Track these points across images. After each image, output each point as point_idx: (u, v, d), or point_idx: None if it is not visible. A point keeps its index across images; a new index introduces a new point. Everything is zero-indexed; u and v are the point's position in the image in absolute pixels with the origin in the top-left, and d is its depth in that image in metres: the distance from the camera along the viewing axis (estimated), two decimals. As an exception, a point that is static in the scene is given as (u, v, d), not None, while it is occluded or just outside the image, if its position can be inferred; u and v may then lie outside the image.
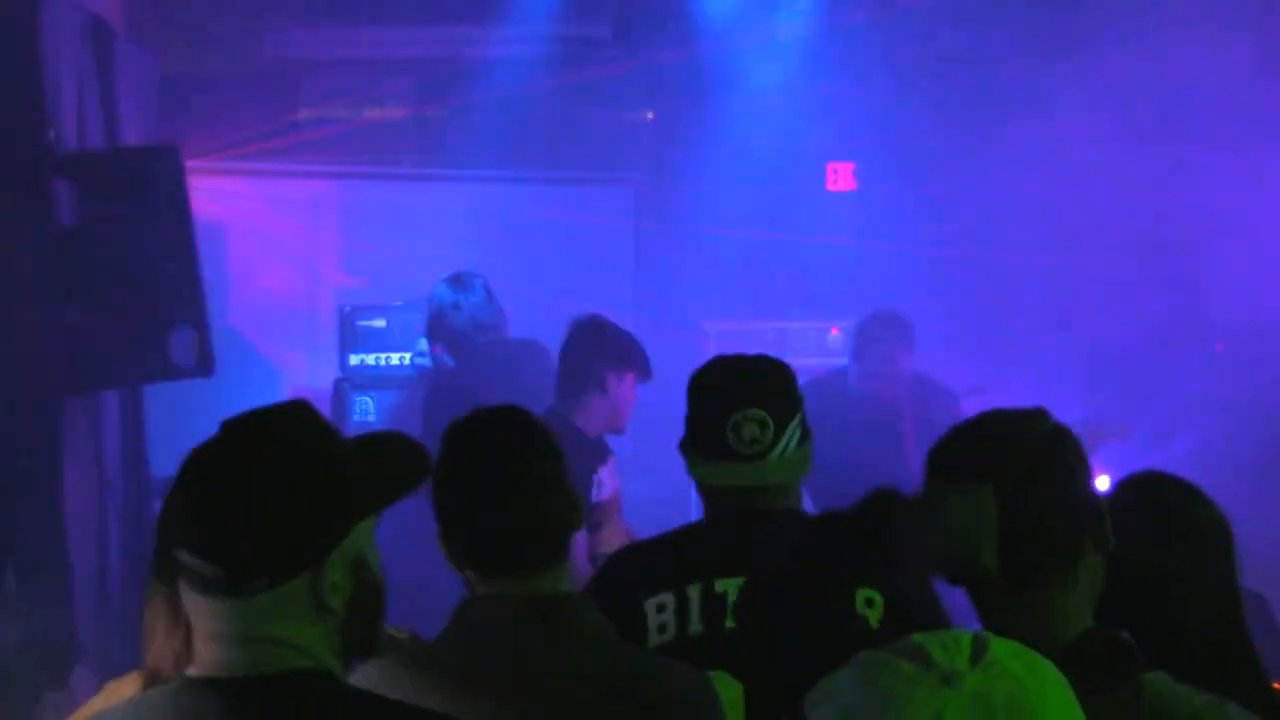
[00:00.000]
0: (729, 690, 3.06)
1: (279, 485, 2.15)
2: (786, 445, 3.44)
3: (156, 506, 6.82)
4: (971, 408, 7.34)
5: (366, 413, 7.86)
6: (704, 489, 3.56)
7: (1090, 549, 2.49)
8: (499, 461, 2.84)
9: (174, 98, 8.47)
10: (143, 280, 6.54)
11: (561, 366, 5.83)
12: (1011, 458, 2.46)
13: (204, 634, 2.18)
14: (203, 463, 2.20)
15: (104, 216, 6.51)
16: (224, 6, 8.25)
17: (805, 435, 3.52)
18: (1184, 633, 2.76)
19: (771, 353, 3.82)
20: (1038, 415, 2.58)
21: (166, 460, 7.85)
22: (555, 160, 9.16)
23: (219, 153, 8.25)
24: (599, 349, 5.76)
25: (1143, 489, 3.03)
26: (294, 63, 8.91)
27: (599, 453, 5.69)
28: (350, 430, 7.77)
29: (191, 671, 2.20)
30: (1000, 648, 1.76)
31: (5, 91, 5.94)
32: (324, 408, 7.90)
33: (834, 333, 8.24)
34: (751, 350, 3.66)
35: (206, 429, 6.66)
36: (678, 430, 3.57)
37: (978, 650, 1.74)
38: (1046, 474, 2.48)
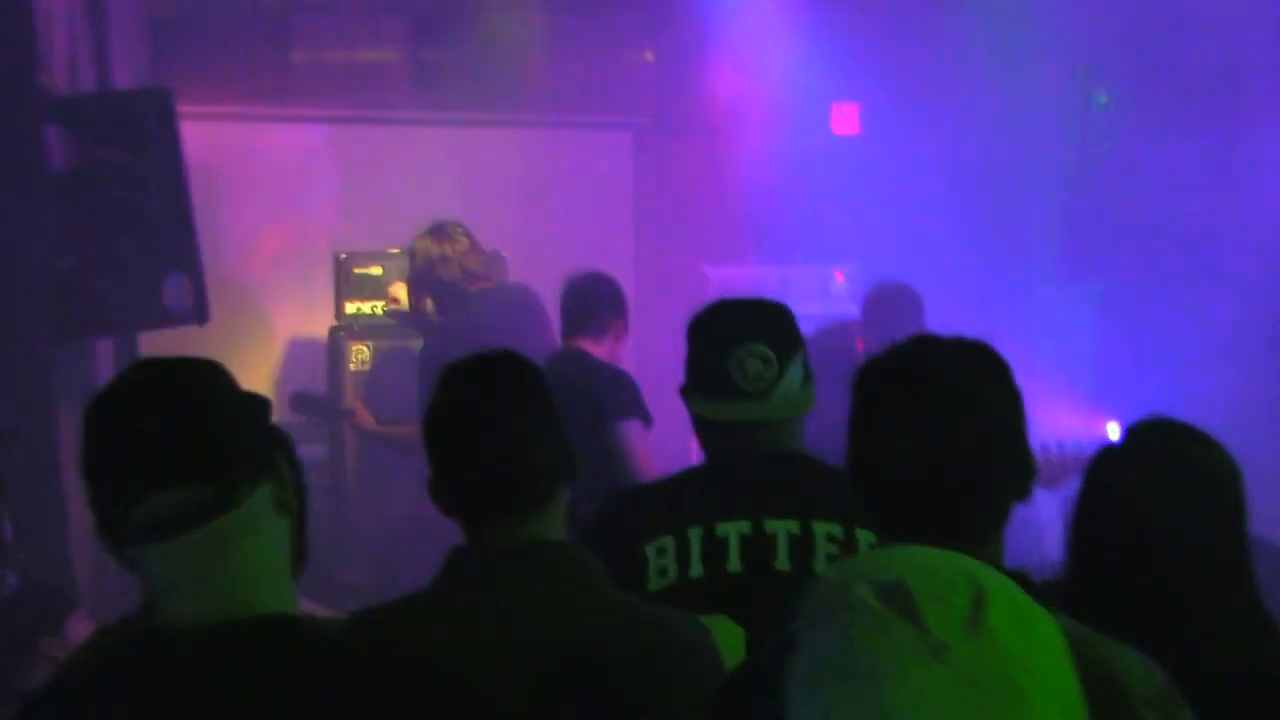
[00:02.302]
0: (730, 635, 3.09)
1: (229, 399, 2.26)
2: (790, 382, 3.49)
3: None
4: None
5: (363, 362, 7.88)
6: (705, 428, 3.59)
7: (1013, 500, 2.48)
8: (488, 407, 2.87)
9: (165, 40, 8.57)
10: (136, 226, 6.61)
11: (575, 311, 6.06)
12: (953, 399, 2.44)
13: (167, 585, 2.22)
14: (140, 403, 2.24)
15: (96, 161, 6.59)
16: None
17: (808, 375, 3.57)
18: (1184, 591, 2.81)
19: (774, 297, 3.91)
20: (981, 352, 2.55)
21: None
22: (553, 103, 9.19)
23: (211, 97, 8.26)
24: (613, 299, 6.12)
25: (1147, 435, 3.06)
26: (287, 4, 8.96)
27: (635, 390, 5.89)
28: (346, 380, 7.90)
29: (156, 621, 2.22)
30: (998, 609, 1.67)
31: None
32: (320, 356, 8.06)
33: (838, 277, 8.35)
34: (755, 295, 3.74)
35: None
36: (678, 375, 3.64)
37: (975, 610, 1.65)
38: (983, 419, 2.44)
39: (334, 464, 7.98)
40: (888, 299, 6.79)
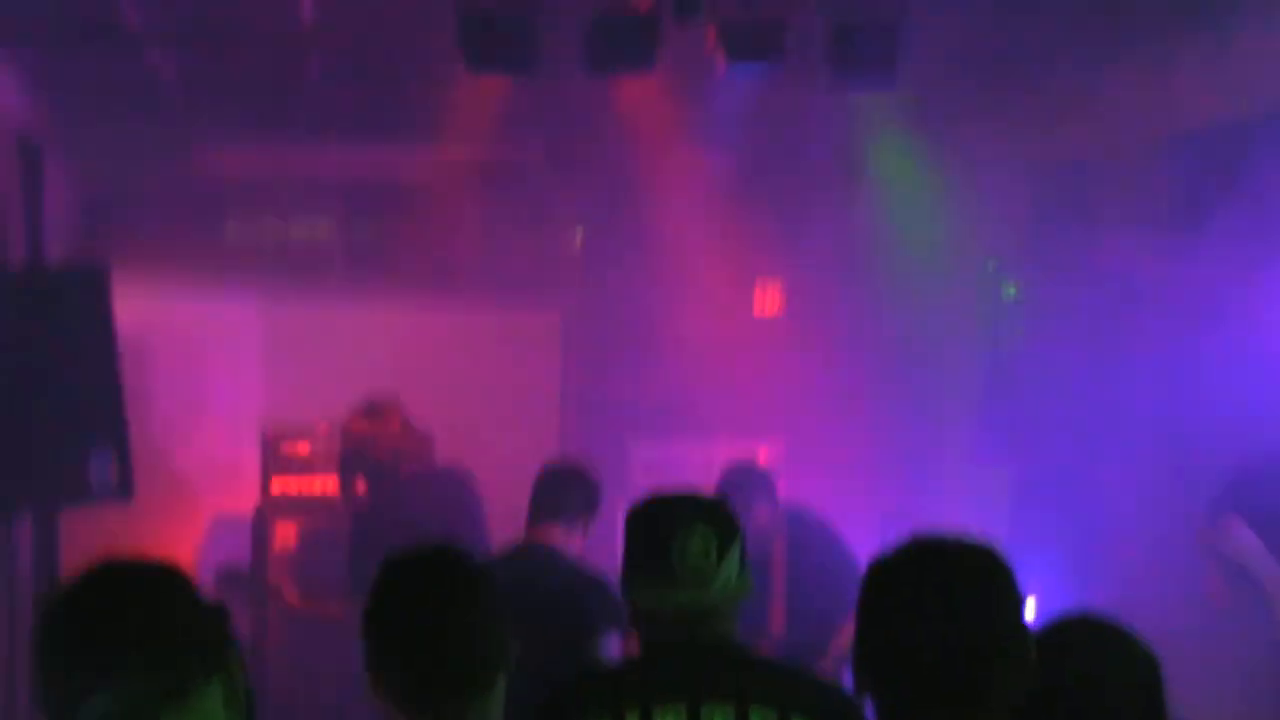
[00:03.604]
0: None
1: (184, 601, 2.38)
2: (729, 569, 3.51)
3: None
4: (891, 532, 7.52)
5: (288, 541, 7.87)
6: (644, 616, 3.57)
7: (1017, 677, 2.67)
8: (430, 599, 2.93)
9: (100, 213, 8.59)
10: (63, 401, 6.63)
11: (550, 499, 5.80)
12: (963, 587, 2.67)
13: None
14: (96, 603, 2.33)
15: (24, 336, 6.56)
16: (151, 123, 8.27)
17: (744, 563, 3.58)
18: None
19: (699, 476, 3.92)
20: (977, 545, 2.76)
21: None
22: (484, 283, 9.26)
23: (142, 269, 8.14)
24: (591, 493, 5.86)
25: (1072, 632, 3.09)
26: (220, 181, 8.99)
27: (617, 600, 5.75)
28: (271, 558, 7.88)
29: None
30: None
31: None
32: (245, 533, 8.04)
33: (760, 454, 8.37)
34: (681, 472, 3.76)
35: (128, 543, 6.71)
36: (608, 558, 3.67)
37: None
38: (988, 600, 2.68)
39: (255, 646, 7.91)
40: (735, 478, 6.81)
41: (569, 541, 5.74)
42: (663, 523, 3.53)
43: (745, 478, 6.83)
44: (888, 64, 6.91)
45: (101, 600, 2.32)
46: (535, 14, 6.71)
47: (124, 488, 6.88)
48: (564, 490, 5.81)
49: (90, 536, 7.56)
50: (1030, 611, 7.98)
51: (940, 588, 2.67)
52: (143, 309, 7.86)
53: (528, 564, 5.61)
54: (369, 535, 6.60)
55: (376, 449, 6.87)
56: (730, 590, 3.53)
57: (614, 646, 5.49)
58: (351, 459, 6.98)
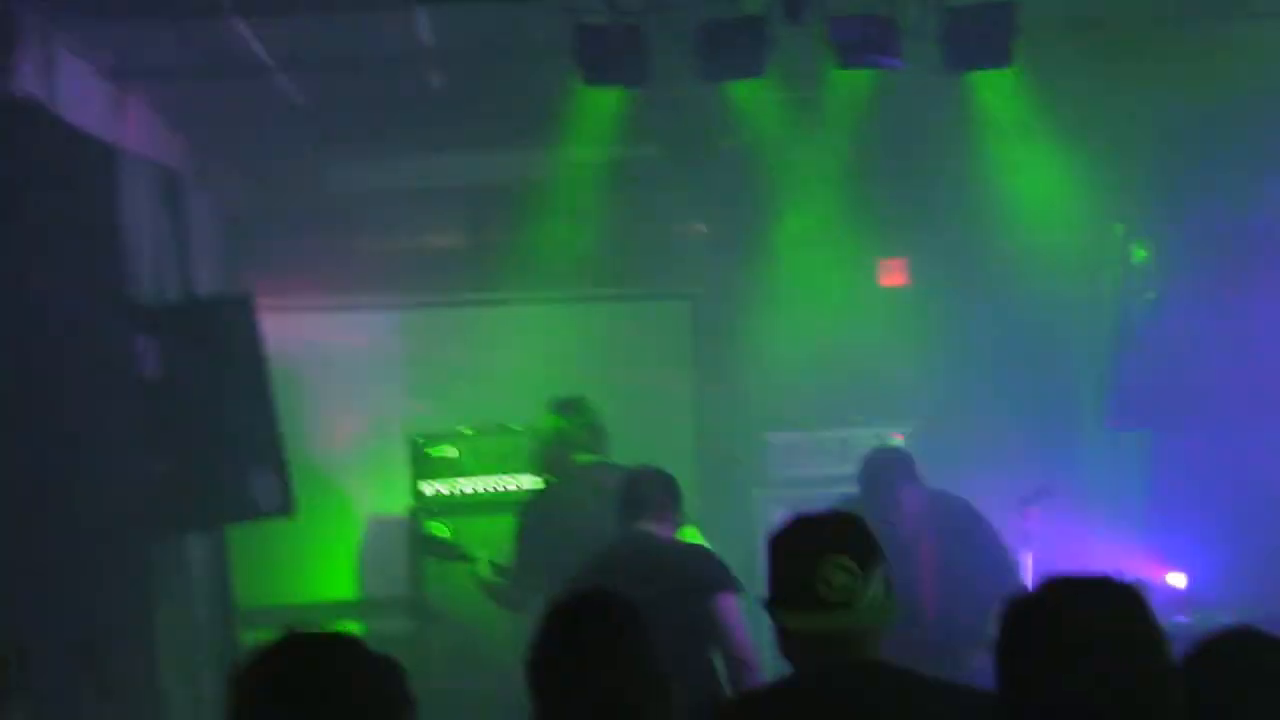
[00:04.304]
0: None
1: (363, 673, 2.59)
2: (874, 591, 3.53)
3: (242, 636, 7.15)
4: (1035, 513, 7.60)
5: (444, 535, 8.03)
6: (790, 639, 3.59)
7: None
8: (589, 654, 3.08)
9: (241, 236, 8.84)
10: (224, 427, 6.98)
11: (637, 497, 6.26)
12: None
13: None
14: (283, 679, 2.55)
15: (184, 367, 6.88)
16: (283, 147, 8.52)
17: (889, 585, 3.59)
18: None
19: (836, 460, 3.97)
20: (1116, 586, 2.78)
21: (250, 590, 8.19)
22: (611, 277, 9.41)
23: (285, 289, 8.52)
24: (670, 487, 6.30)
25: (1232, 652, 3.12)
26: (351, 197, 9.20)
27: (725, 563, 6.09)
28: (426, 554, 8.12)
29: None
30: None
31: (90, 252, 6.27)
32: (400, 534, 8.25)
33: (898, 439, 8.36)
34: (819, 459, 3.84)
35: (288, 560, 6.94)
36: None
37: None
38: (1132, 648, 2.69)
39: (419, 635, 8.30)
40: (880, 464, 7.02)
41: (660, 531, 6.17)
42: (805, 549, 3.57)
43: (889, 463, 7.03)
44: (1003, 42, 6.90)
45: (288, 670, 2.51)
46: (647, 26, 6.76)
47: (285, 504, 7.21)
48: (643, 490, 6.26)
49: (257, 545, 8.05)
50: (1180, 581, 8.01)
51: (1081, 639, 2.66)
52: (288, 325, 8.17)
53: (631, 545, 6.05)
54: (529, 524, 7.14)
55: (558, 441, 7.30)
56: (875, 613, 3.55)
57: (730, 608, 5.82)
58: (538, 451, 7.43)
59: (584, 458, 7.27)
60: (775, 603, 3.59)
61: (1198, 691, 2.83)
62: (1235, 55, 7.72)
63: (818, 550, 3.53)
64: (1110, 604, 2.72)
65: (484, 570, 7.36)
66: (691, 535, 6.60)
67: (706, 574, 5.93)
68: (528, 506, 7.34)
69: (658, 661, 3.13)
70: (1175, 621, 7.62)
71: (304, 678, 2.49)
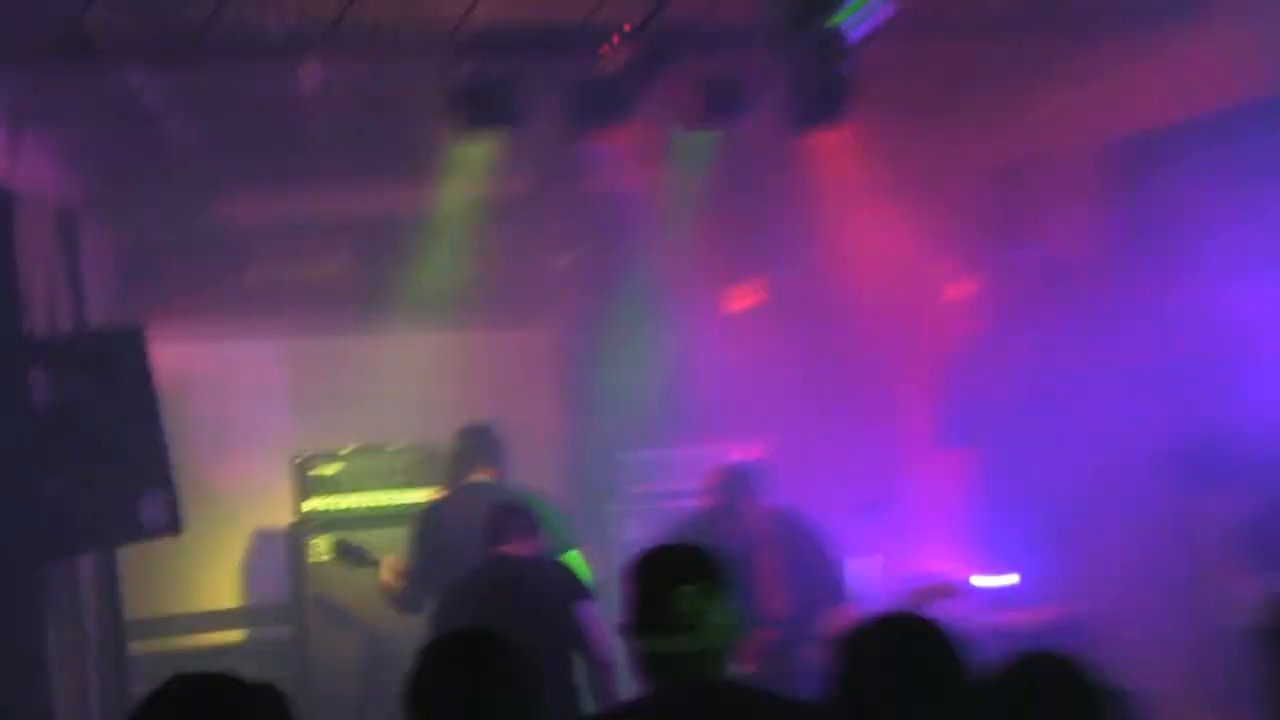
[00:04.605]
0: None
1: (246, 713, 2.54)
2: (721, 614, 3.60)
3: (129, 648, 6.99)
4: (872, 521, 7.71)
5: (320, 554, 8.15)
6: (646, 659, 3.66)
7: None
8: (462, 687, 3.07)
9: (132, 268, 8.69)
10: (114, 450, 6.76)
11: (501, 526, 6.36)
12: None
13: None
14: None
15: (76, 395, 6.68)
16: (173, 182, 8.30)
17: (735, 607, 3.67)
18: None
19: (686, 476, 3.96)
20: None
21: (139, 602, 8.04)
22: (483, 309, 9.39)
23: (175, 318, 8.36)
24: (528, 516, 6.46)
25: (1032, 672, 3.18)
26: (239, 231, 9.07)
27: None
28: (305, 570, 8.13)
29: None
30: None
31: None
32: (282, 550, 8.24)
33: (745, 455, 8.40)
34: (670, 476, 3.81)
35: (176, 572, 6.87)
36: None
37: None
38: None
39: (298, 642, 8.30)
40: (724, 480, 7.13)
41: (523, 550, 6.29)
42: (658, 576, 3.63)
43: (732, 479, 7.12)
44: (839, 103, 6.93)
45: (169, 714, 2.45)
46: (517, 81, 6.79)
47: (173, 524, 7.02)
48: (501, 520, 6.36)
49: (147, 563, 7.86)
50: (1012, 580, 8.12)
51: (899, 664, 2.86)
52: (178, 354, 7.97)
53: (493, 570, 6.19)
54: (416, 532, 7.33)
55: (462, 461, 7.50)
56: (722, 634, 3.61)
57: (590, 613, 6.03)
58: (446, 469, 7.67)
59: (478, 477, 7.34)
60: (631, 626, 3.66)
61: (1012, 709, 2.97)
62: (1034, 113, 7.95)
63: (669, 578, 3.60)
64: (924, 642, 2.93)
65: (388, 574, 7.33)
66: (574, 559, 6.75)
67: (564, 586, 6.14)
68: (422, 518, 7.43)
69: (527, 693, 3.14)
70: (992, 624, 7.81)
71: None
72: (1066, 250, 8.17)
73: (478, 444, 7.46)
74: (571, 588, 6.15)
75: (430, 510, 7.51)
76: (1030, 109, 7.98)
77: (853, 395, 8.96)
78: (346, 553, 7.61)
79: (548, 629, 5.86)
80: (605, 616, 5.79)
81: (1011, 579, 8.20)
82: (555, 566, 6.38)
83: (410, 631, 6.35)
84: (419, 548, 7.25)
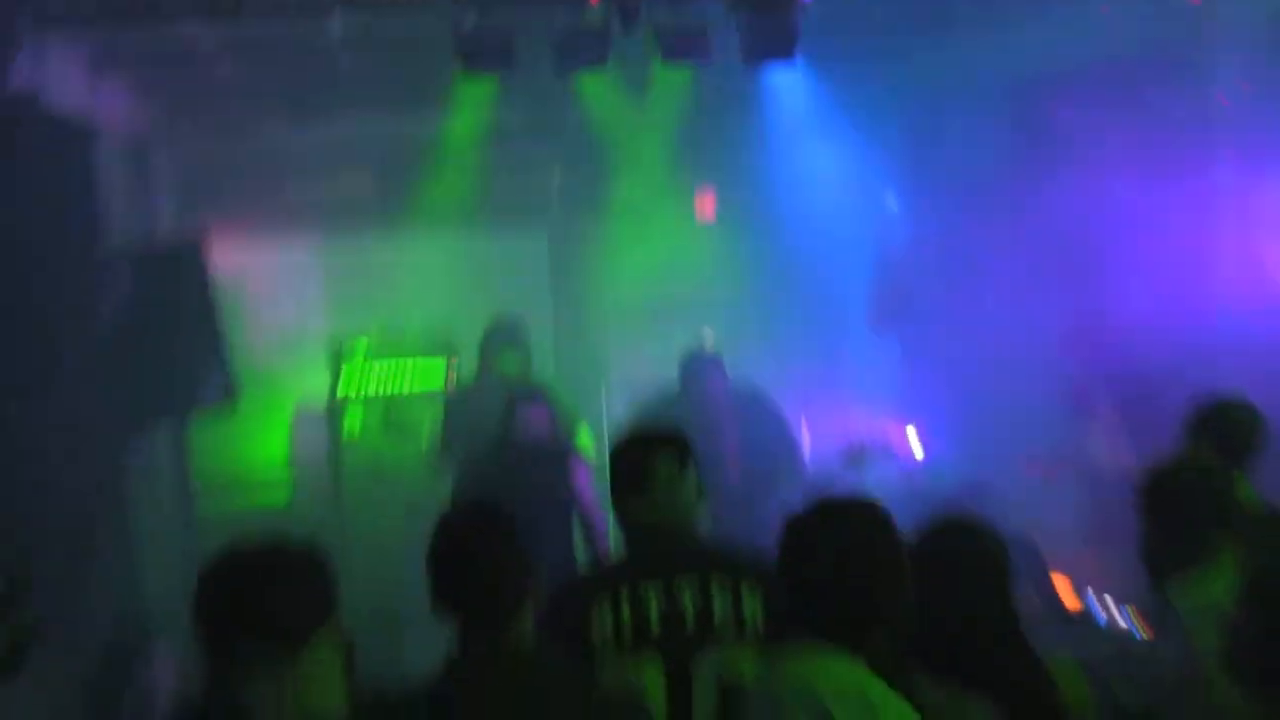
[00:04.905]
0: (653, 670, 3.48)
1: (299, 576, 2.60)
2: (688, 485, 3.78)
3: (199, 503, 7.23)
4: (813, 395, 8.05)
5: (354, 427, 8.41)
6: (627, 521, 3.82)
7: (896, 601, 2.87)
8: (472, 549, 3.17)
9: (192, 187, 9.00)
10: (181, 340, 7.19)
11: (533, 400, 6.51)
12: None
13: (259, 706, 2.53)
14: (235, 586, 2.55)
15: (148, 294, 7.09)
16: (225, 115, 8.62)
17: (700, 479, 3.83)
18: (974, 648, 3.22)
19: (661, 362, 4.34)
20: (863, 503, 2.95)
21: (205, 465, 8.45)
22: (485, 219, 9.61)
23: (229, 227, 8.61)
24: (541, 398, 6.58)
25: (935, 539, 3.36)
26: (281, 153, 9.28)
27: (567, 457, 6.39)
28: (342, 443, 8.39)
29: None
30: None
31: (75, 208, 6.52)
32: (322, 423, 8.51)
33: (708, 332, 8.74)
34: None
35: (237, 437, 6.62)
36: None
37: None
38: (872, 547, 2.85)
39: (336, 503, 8.59)
40: (693, 364, 7.28)
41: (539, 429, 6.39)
42: (635, 449, 3.83)
43: (700, 363, 7.26)
44: (788, 42, 7.20)
45: (230, 577, 2.51)
46: (511, 29, 7.05)
47: (231, 399, 7.43)
48: (528, 399, 6.45)
49: (210, 437, 8.23)
50: (916, 445, 8.51)
51: (834, 542, 2.81)
52: (232, 258, 8.24)
53: (513, 442, 6.29)
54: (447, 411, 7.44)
55: (489, 351, 7.49)
56: (690, 499, 3.80)
57: (577, 468, 6.19)
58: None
59: (504, 366, 7.38)
60: (615, 495, 3.84)
61: (922, 571, 2.98)
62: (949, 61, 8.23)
63: (645, 451, 3.80)
64: (860, 519, 2.88)
65: (427, 445, 7.45)
66: (583, 433, 6.87)
67: (557, 444, 6.28)
68: (450, 400, 7.60)
69: (520, 553, 3.22)
70: (914, 482, 8.23)
71: (241, 597, 2.53)
72: (979, 168, 8.49)
73: (503, 335, 7.47)
74: (567, 461, 6.22)
75: (458, 394, 7.59)
76: (953, 50, 8.22)
77: (801, 290, 9.21)
78: (393, 424, 7.80)
79: (546, 496, 6.00)
80: (597, 485, 5.99)
81: (917, 448, 8.56)
82: (556, 442, 6.38)
83: (434, 494, 6.51)
84: (447, 426, 7.33)
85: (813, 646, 2.62)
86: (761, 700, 2.78)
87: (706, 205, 10.03)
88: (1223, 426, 4.56)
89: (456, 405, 7.46)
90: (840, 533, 2.83)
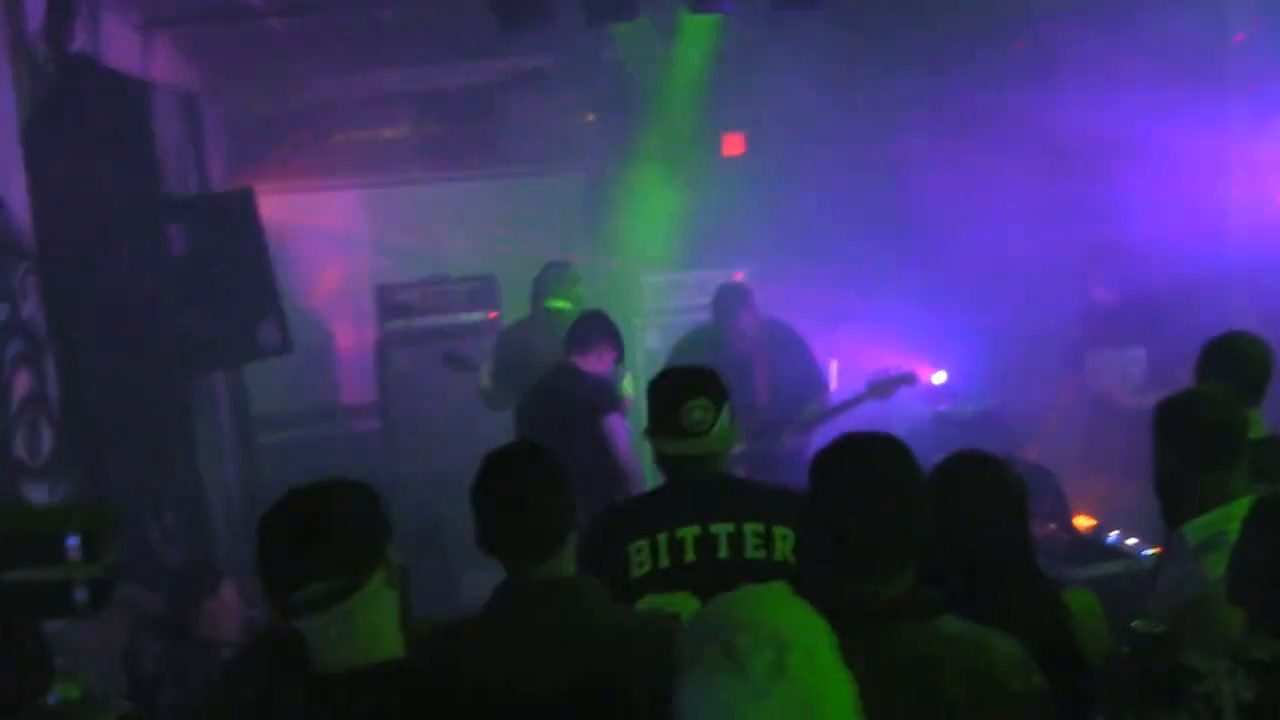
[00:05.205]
0: (689, 606, 3.42)
1: (355, 512, 2.63)
2: (723, 424, 3.84)
3: (258, 440, 7.37)
4: (841, 328, 8.09)
5: (401, 364, 8.50)
6: (664, 459, 3.89)
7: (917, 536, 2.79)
8: (516, 487, 3.17)
9: (242, 138, 9.14)
10: (235, 287, 7.28)
11: (576, 336, 6.39)
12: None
13: (317, 643, 2.57)
14: (292, 522, 2.59)
15: (203, 244, 7.19)
16: (272, 68, 8.68)
17: (733, 418, 3.88)
18: (985, 578, 3.19)
19: (694, 294, 4.44)
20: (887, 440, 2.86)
21: (260, 404, 8.64)
22: (523, 161, 9.64)
23: (279, 176, 8.74)
24: (607, 330, 6.41)
25: (951, 470, 3.34)
26: (325, 104, 9.39)
27: (613, 391, 6.36)
28: (389, 378, 8.50)
29: (311, 670, 2.58)
30: (796, 656, 2.07)
31: (134, 162, 6.66)
32: (369, 361, 8.63)
33: (738, 277, 8.63)
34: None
35: (288, 377, 6.93)
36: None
37: (779, 660, 2.05)
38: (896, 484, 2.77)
39: (387, 432, 8.67)
40: (724, 297, 7.30)
41: (585, 364, 6.29)
42: (673, 391, 3.89)
43: (731, 296, 7.30)
44: None
45: (294, 521, 2.56)
46: None
47: (285, 345, 7.50)
48: (583, 330, 6.37)
49: (266, 373, 8.25)
50: (942, 378, 8.50)
51: (860, 478, 2.74)
52: (281, 206, 8.36)
53: (558, 377, 6.29)
54: (505, 346, 7.43)
55: (541, 289, 7.46)
56: (724, 439, 3.87)
57: (613, 426, 6.10)
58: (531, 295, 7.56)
59: (555, 304, 7.35)
60: (652, 432, 3.95)
61: (941, 501, 2.97)
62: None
63: (682, 393, 3.87)
64: (883, 454, 2.80)
65: (484, 379, 7.50)
66: (628, 383, 6.82)
67: (596, 399, 6.15)
68: (501, 337, 7.63)
69: (564, 493, 3.21)
70: (938, 410, 8.27)
71: (301, 528, 2.58)
72: (982, 102, 8.51)
73: (555, 275, 7.43)
74: (602, 401, 6.13)
75: (508, 331, 7.64)
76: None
77: (826, 229, 9.18)
78: (453, 359, 7.77)
79: (590, 432, 5.98)
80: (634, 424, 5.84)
81: (940, 376, 8.51)
82: (598, 383, 6.25)
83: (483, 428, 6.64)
84: (497, 361, 7.35)
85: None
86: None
87: (735, 140, 9.99)
88: (1233, 361, 4.58)
89: (508, 340, 7.51)
90: (863, 467, 2.77)
